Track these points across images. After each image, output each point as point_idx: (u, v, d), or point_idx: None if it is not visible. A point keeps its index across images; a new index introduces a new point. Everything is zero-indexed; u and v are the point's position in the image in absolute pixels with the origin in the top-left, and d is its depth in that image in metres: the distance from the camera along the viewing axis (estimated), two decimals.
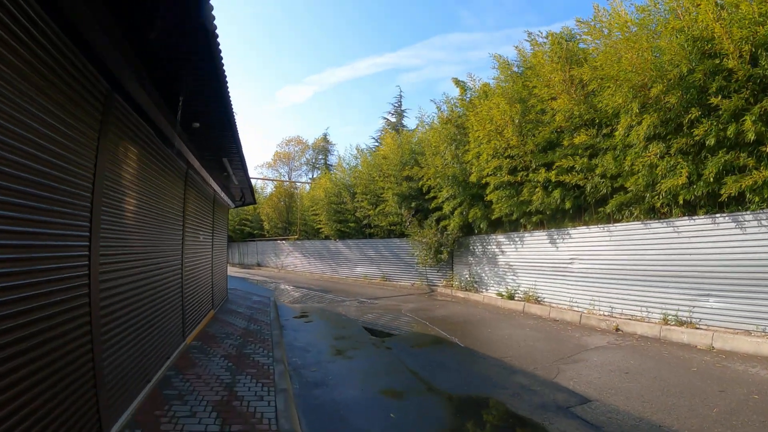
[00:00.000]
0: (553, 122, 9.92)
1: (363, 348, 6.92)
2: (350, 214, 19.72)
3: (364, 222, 18.76)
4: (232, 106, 4.43)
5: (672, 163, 7.58)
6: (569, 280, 10.10)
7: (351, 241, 20.07)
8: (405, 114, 31.90)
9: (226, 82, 3.78)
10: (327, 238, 22.07)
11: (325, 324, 9.32)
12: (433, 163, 13.85)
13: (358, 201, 18.86)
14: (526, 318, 9.83)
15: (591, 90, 8.98)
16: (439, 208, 14.31)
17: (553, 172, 9.82)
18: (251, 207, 31.34)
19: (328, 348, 6.96)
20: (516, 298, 11.52)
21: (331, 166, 37.23)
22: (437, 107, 14.55)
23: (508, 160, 10.84)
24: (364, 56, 71.32)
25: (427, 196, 14.81)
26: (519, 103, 10.73)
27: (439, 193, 13.95)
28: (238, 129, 5.50)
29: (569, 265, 10.16)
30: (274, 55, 73.85)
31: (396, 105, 33.25)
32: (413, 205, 15.70)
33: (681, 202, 7.61)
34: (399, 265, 17.29)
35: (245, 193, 11.55)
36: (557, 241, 10.56)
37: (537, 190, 10.27)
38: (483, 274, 13.23)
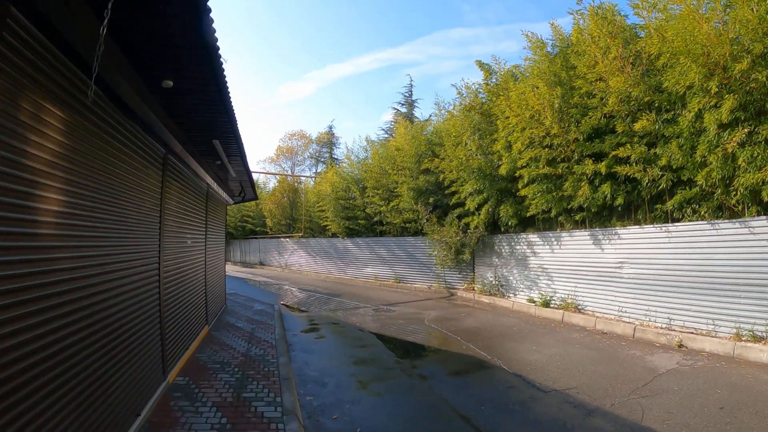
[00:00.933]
0: (602, 106, 8.84)
1: (391, 377, 5.87)
2: (360, 210, 18.69)
3: (376, 219, 17.73)
4: (222, 64, 3.16)
5: (754, 153, 6.52)
6: (617, 286, 9.06)
7: (361, 240, 19.06)
8: (416, 105, 30.71)
9: (210, 19, 2.57)
10: (334, 235, 21.07)
11: (339, 341, 8.17)
12: (455, 155, 12.78)
13: (368, 196, 17.82)
14: (568, 330, 8.80)
15: (654, 67, 7.89)
16: (461, 204, 13.26)
17: (602, 163, 8.76)
18: (253, 203, 30.36)
19: (348, 378, 5.83)
20: (552, 306, 10.49)
21: (337, 159, 36.22)
22: (458, 92, 13.28)
23: (546, 150, 9.77)
24: (365, 52, 72.04)
25: (447, 191, 13.75)
26: (559, 86, 9.65)
27: (461, 188, 12.89)
28: (235, 113, 4.41)
29: (617, 270, 9.11)
30: (273, 51, 74.70)
31: (406, 95, 32.16)
32: (431, 200, 14.65)
33: (766, 199, 6.56)
34: (414, 266, 16.27)
35: (245, 187, 10.38)
36: (602, 242, 9.50)
37: (582, 184, 9.21)
38: (511, 278, 12.19)
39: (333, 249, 21.10)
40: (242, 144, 5.86)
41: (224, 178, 8.71)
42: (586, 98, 9.32)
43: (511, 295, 12.12)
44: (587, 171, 9.00)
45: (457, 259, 13.49)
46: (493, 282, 12.67)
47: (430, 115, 17.72)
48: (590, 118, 9.11)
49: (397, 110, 31.70)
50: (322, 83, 68.99)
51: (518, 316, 10.31)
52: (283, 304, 12.28)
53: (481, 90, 13.20)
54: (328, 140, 45.72)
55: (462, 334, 8.25)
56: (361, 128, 69.19)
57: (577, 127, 9.30)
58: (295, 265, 24.87)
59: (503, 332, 8.52)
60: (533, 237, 11.40)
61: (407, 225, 16.29)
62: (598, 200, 9.06)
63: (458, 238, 12.96)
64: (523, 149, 10.30)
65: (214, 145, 5.57)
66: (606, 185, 8.89)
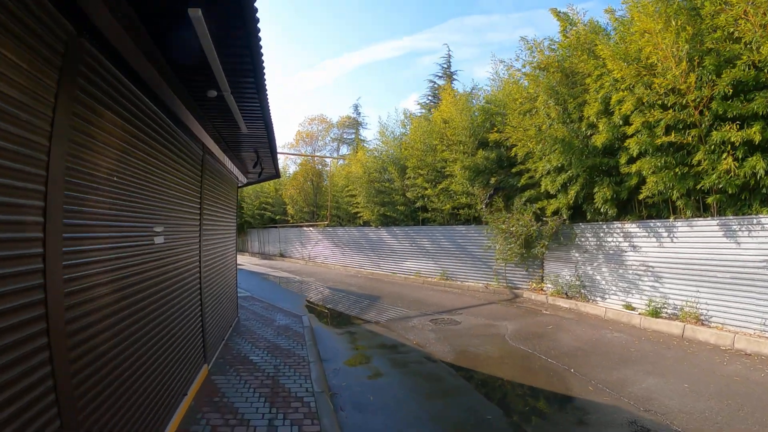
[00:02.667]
0: (751, 52, 6.83)
1: None
2: (398, 194, 16.94)
3: (418, 204, 15.94)
4: None
5: None
6: (762, 292, 7.13)
7: (398, 229, 17.33)
8: (455, 77, 28.59)
9: None
10: (366, 224, 19.42)
11: (405, 382, 5.74)
12: (523, 125, 10.88)
13: (409, 178, 16.03)
14: (703, 350, 6.96)
15: None
16: (533, 185, 11.42)
17: (753, 128, 6.78)
18: (272, 188, 29.07)
19: None
20: (663, 315, 8.59)
21: (365, 140, 34.49)
22: (529, 46, 11.28)
23: (670, 112, 7.77)
24: (382, 39, 73.53)
25: (513, 169, 11.87)
26: (687, 25, 7.64)
27: (534, 165, 11.00)
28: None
29: (762, 271, 7.16)
30: (288, 38, 75.36)
31: (444, 66, 30.07)
32: (492, 181, 12.80)
33: None
34: (465, 261, 14.48)
35: (262, 158, 7.76)
36: (738, 233, 7.55)
37: (723, 156, 7.23)
38: (598, 277, 10.29)
39: (365, 239, 19.45)
40: (264, 84, 3.91)
41: (233, 142, 6.44)
42: (725, 42, 7.31)
43: (598, 298, 10.24)
44: (733, 139, 7.01)
45: (526, 254, 11.64)
46: (573, 282, 10.80)
47: (472, 89, 15.65)
48: (732, 69, 7.10)
49: (434, 83, 29.69)
50: (339, 71, 70.03)
51: (620, 329, 8.46)
52: (311, 310, 10.69)
53: (555, 45, 11.19)
54: (354, 121, 44.06)
55: (568, 360, 6.46)
56: (381, 115, 70.12)
57: (713, 82, 7.30)
58: (320, 257, 23.38)
59: (621, 356, 6.70)
60: (632, 227, 9.47)
61: (459, 211, 14.48)
62: (739, 178, 7.09)
63: (534, 226, 11.06)
64: (630, 113, 8.34)
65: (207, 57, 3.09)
66: (755, 157, 6.92)
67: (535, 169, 11.00)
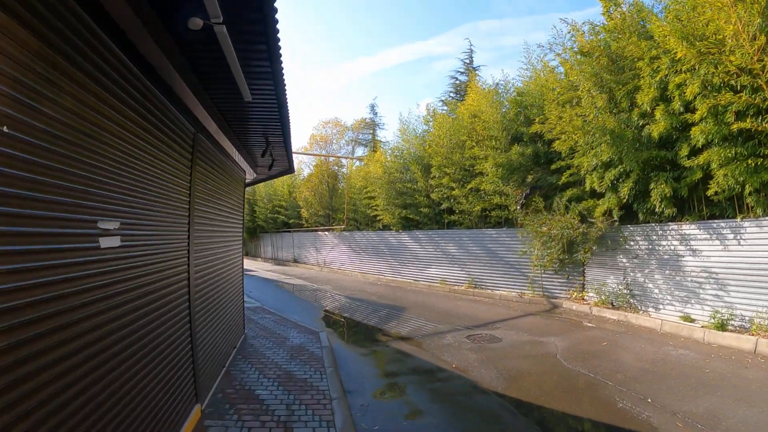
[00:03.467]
0: None
1: None
2: (422, 195, 16.28)
3: (444, 206, 15.25)
4: None
5: None
6: None
7: (421, 233, 16.65)
8: (478, 72, 27.72)
9: None
10: (386, 228, 18.80)
11: (452, 423, 4.74)
12: (567, 116, 10.14)
13: (434, 177, 15.36)
14: None
15: None
16: (576, 183, 10.65)
17: None
18: (285, 190, 28.68)
19: None
20: (730, 328, 7.75)
21: (382, 142, 33.93)
22: (571, 28, 10.60)
23: (744, 96, 6.99)
24: (396, 44, 74.24)
25: (552, 166, 11.14)
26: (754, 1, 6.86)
27: (579, 160, 10.25)
28: None
29: None
30: (301, 41, 78.29)
31: (466, 61, 29.23)
32: (528, 179, 12.07)
33: None
34: (496, 267, 13.73)
35: (273, 146, 6.55)
36: None
37: None
38: (651, 285, 9.47)
39: (384, 244, 18.80)
40: (278, 49, 3.19)
41: (236, 120, 5.22)
42: None
43: (651, 309, 9.41)
44: None
45: (567, 260, 10.87)
46: (620, 290, 9.99)
47: (497, 84, 14.90)
48: None
49: (456, 79, 28.93)
50: (353, 75, 72.26)
51: (683, 344, 7.65)
52: (329, 324, 10.07)
53: (598, 29, 10.45)
54: (370, 122, 43.58)
55: (640, 387, 5.65)
56: (394, 119, 70.69)
57: None
58: (336, 263, 22.79)
59: (697, 379, 5.91)
60: (691, 228, 8.65)
61: (489, 213, 13.76)
62: None
63: (577, 230, 10.28)
64: (694, 98, 7.57)
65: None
66: None
67: (579, 165, 10.25)
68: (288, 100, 4.49)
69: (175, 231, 4.10)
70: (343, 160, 25.50)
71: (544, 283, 12.23)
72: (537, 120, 11.24)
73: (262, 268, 25.68)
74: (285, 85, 4.00)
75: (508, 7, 65.89)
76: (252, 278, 19.45)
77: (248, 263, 31.21)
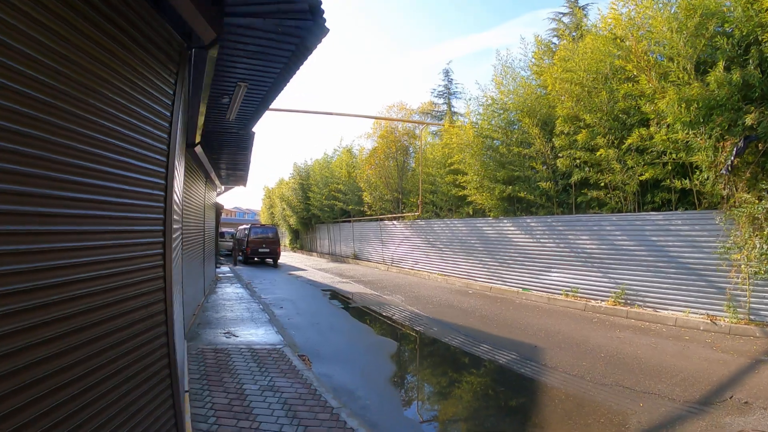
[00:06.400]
0: None
1: None
2: (538, 162, 12.13)
3: (574, 178, 11.02)
4: None
5: None
6: None
7: (534, 220, 12.55)
8: (586, 11, 22.91)
9: None
10: (479, 213, 14.89)
11: None
12: None
13: (561, 135, 11.16)
14: None
15: None
16: None
17: None
18: (344, 170, 25.68)
19: None
20: None
21: (458, 114, 29.77)
22: None
23: None
24: (454, 37, 76.01)
25: None
26: None
27: None
28: None
29: None
30: (362, 36, 76.57)
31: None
32: (747, 121, 7.61)
33: None
34: (663, 272, 9.51)
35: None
36: None
37: None
38: None
39: (476, 237, 14.87)
40: None
41: None
42: None
43: None
44: None
45: None
46: None
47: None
48: None
49: (559, 19, 24.43)
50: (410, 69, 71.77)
51: None
52: (407, 393, 6.32)
53: None
54: (444, 90, 39.33)
55: None
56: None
57: None
58: (407, 261, 19.23)
59: None
60: None
61: (657, 187, 9.42)
62: None
63: None
64: None
65: None
66: None
67: None
68: None
69: None
70: (417, 130, 21.60)
71: (751, 299, 7.85)
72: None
73: (315, 266, 22.73)
74: None
75: None
76: (296, 282, 16.35)
77: (301, 260, 28.68)
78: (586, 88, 10.60)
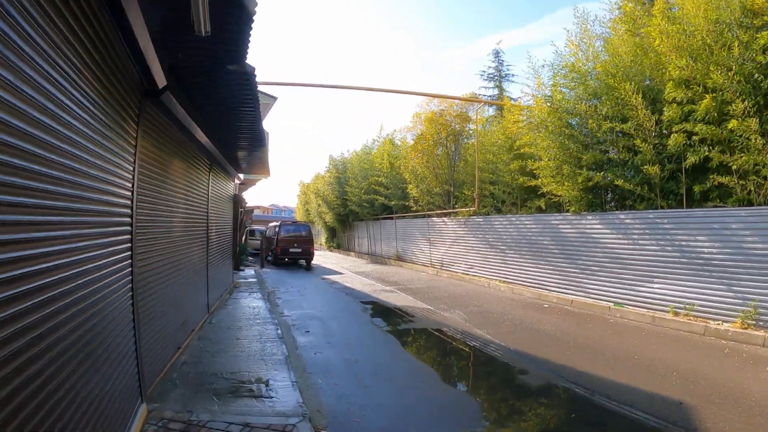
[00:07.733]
0: None
1: None
2: (639, 139, 9.90)
3: (689, 161, 8.83)
4: None
5: None
6: None
7: (629, 216, 10.44)
8: None
9: None
10: (554, 207, 12.92)
11: None
12: None
13: (672, 103, 8.98)
14: None
15: None
16: None
17: None
18: (386, 161, 24.11)
19: None
20: None
21: (511, 98, 27.54)
22: None
23: None
24: (490, 33, 77.96)
25: None
26: None
27: None
28: None
29: None
30: (394, 35, 74.58)
31: None
32: None
33: None
34: None
35: None
36: None
37: None
38: None
39: (550, 237, 12.82)
40: None
41: None
42: None
43: None
44: None
45: None
46: None
47: None
48: None
49: None
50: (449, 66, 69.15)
51: None
52: None
53: None
54: (495, 72, 36.97)
55: None
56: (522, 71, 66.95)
57: None
58: (459, 264, 17.35)
59: None
60: None
61: None
62: None
63: None
64: None
65: None
66: None
67: None
68: None
69: None
70: (471, 112, 19.57)
71: None
72: None
73: (353, 269, 21.10)
74: None
75: None
76: (329, 290, 14.60)
77: (337, 261, 27.15)
78: (702, 44, 8.40)
